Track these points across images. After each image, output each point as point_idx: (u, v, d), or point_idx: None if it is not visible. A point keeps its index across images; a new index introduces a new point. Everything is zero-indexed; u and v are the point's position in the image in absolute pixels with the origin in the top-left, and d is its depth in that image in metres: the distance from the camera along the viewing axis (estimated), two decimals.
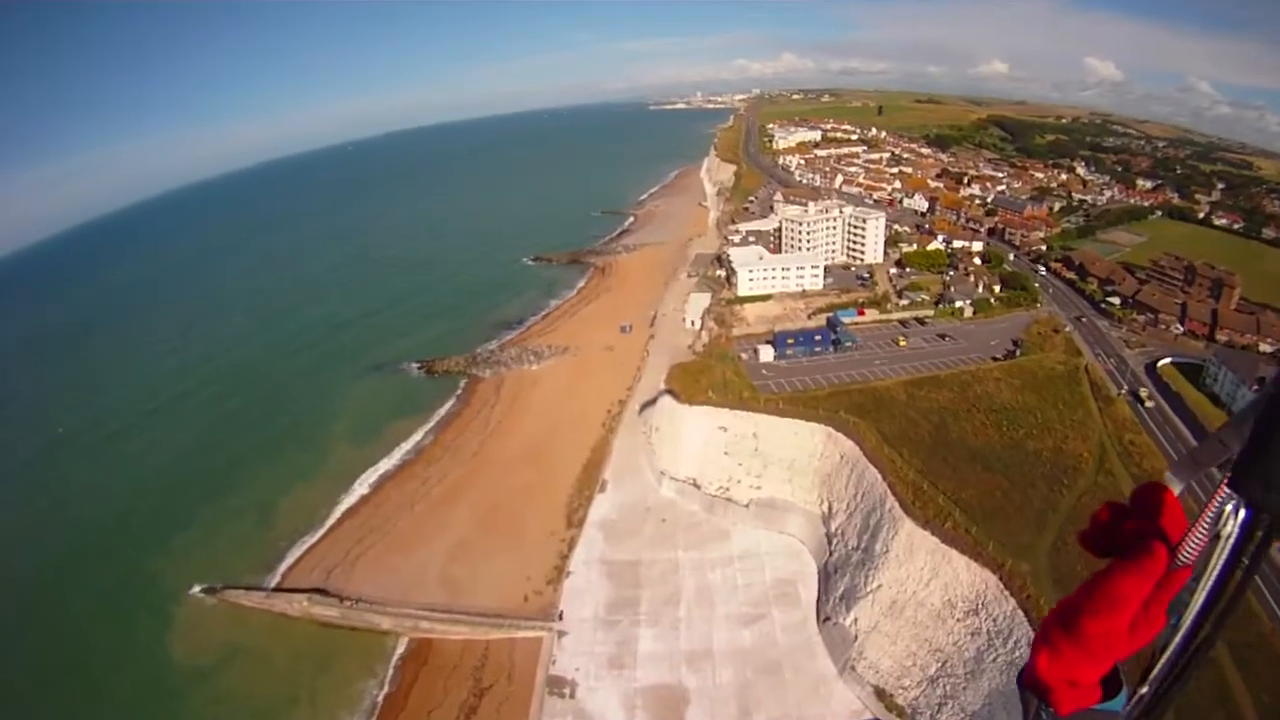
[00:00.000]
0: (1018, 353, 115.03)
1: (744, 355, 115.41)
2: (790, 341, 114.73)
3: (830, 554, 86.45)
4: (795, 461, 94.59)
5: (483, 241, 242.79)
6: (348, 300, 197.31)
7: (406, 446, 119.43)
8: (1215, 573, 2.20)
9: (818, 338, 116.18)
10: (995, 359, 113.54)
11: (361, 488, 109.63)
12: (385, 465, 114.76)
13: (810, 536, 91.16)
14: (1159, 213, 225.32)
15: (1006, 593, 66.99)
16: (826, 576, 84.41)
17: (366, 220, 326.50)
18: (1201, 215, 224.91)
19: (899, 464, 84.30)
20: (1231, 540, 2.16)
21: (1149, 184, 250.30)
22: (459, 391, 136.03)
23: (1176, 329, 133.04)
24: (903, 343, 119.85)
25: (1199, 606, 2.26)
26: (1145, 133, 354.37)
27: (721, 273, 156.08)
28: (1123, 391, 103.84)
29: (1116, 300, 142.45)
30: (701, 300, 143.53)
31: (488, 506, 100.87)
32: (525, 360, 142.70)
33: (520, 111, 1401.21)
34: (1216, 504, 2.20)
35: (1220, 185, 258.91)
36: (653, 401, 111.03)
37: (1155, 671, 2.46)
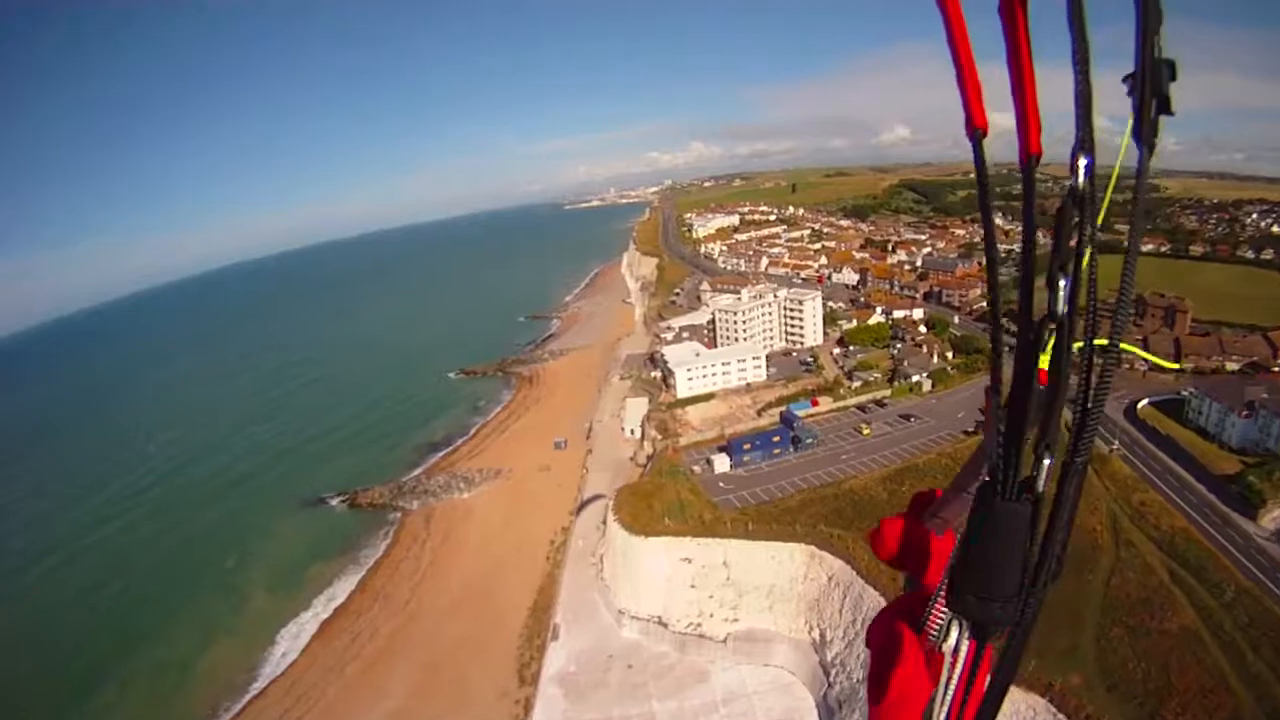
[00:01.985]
0: None
1: (696, 467, 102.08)
2: (746, 447, 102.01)
3: (829, 686, 73.06)
4: (775, 588, 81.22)
5: (404, 356, 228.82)
6: (264, 428, 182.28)
7: (333, 596, 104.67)
8: (948, 691, 2.09)
9: (775, 438, 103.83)
10: (968, 433, 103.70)
11: (286, 645, 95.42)
12: (310, 618, 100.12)
13: (801, 667, 78.01)
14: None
15: (1061, 715, 56.10)
16: (829, 712, 71.07)
17: (285, 338, 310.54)
18: (1126, 243, 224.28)
19: (901, 580, 71.77)
20: (962, 659, 2.07)
21: None
22: (386, 528, 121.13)
23: (1142, 366, 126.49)
24: (866, 431, 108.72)
25: None
26: (1049, 174, 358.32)
27: (656, 373, 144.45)
28: (1114, 448, 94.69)
29: (1076, 347, 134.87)
30: (639, 406, 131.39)
31: (427, 665, 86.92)
32: (455, 488, 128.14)
33: (441, 219, 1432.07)
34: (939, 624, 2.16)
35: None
36: (601, 529, 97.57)
37: None
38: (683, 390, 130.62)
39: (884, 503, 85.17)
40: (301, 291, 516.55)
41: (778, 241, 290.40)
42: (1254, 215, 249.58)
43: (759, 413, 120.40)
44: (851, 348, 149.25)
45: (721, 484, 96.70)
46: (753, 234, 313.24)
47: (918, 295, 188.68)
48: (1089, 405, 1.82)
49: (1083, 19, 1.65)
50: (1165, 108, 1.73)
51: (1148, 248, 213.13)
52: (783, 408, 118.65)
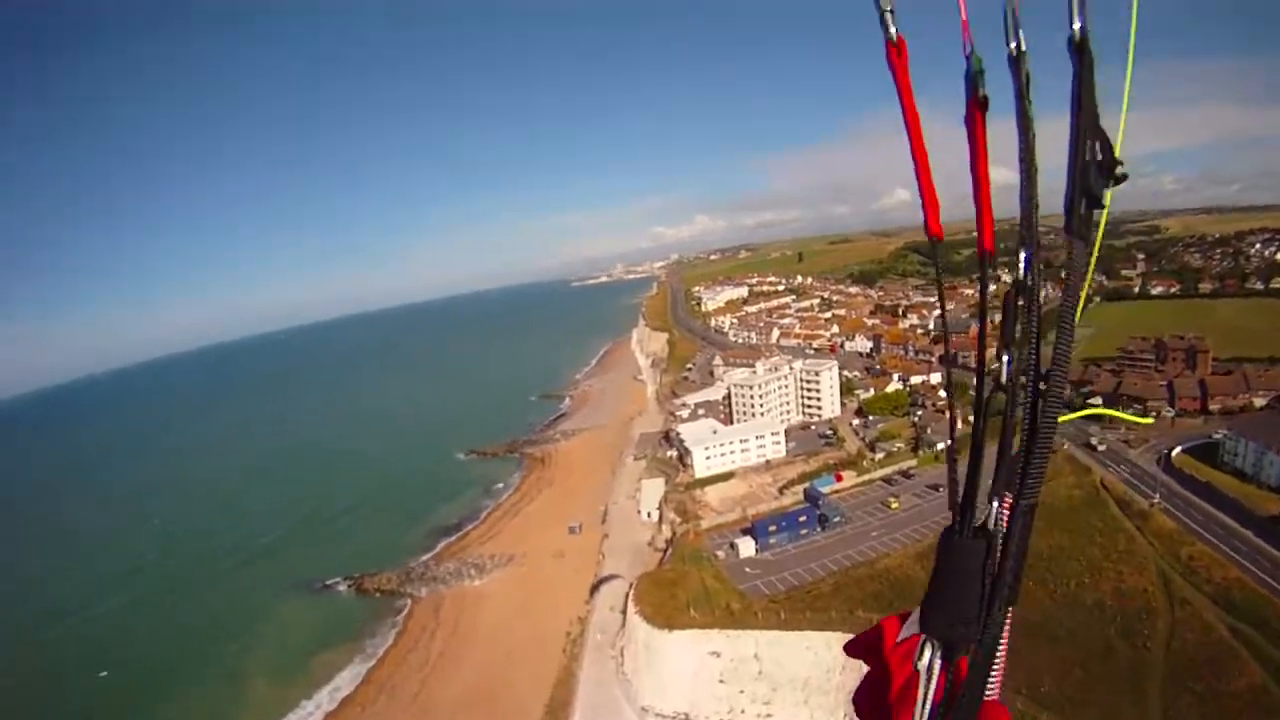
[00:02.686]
0: None
1: (720, 552, 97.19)
2: (772, 529, 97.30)
3: None
4: (811, 680, 76.09)
5: (413, 434, 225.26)
6: (270, 502, 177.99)
7: (337, 687, 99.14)
8: (926, 704, 2.34)
9: (802, 519, 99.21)
10: None
11: None
12: (313, 710, 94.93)
13: None
14: (1096, 299, 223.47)
15: None
16: None
17: (293, 414, 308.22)
18: (1136, 289, 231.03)
19: None
20: (935, 678, 2.33)
21: None
22: (393, 616, 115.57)
23: (1168, 412, 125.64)
24: (895, 505, 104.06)
25: None
26: (1049, 226, 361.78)
27: (672, 453, 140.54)
28: (1154, 501, 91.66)
29: (1098, 400, 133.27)
30: (655, 487, 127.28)
31: None
32: (465, 574, 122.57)
33: (451, 295, 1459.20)
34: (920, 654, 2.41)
35: (1140, 256, 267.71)
36: (620, 619, 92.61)
37: None
38: (700, 470, 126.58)
39: (921, 582, 79.97)
40: (311, 367, 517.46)
41: (788, 312, 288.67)
42: (1257, 245, 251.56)
43: (781, 490, 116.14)
44: (871, 417, 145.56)
45: (747, 569, 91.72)
46: (762, 305, 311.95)
47: (934, 359, 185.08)
48: (1031, 456, 2.07)
49: (1030, 126, 2.01)
50: (1096, 204, 2.04)
51: (1157, 290, 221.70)
52: (805, 485, 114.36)
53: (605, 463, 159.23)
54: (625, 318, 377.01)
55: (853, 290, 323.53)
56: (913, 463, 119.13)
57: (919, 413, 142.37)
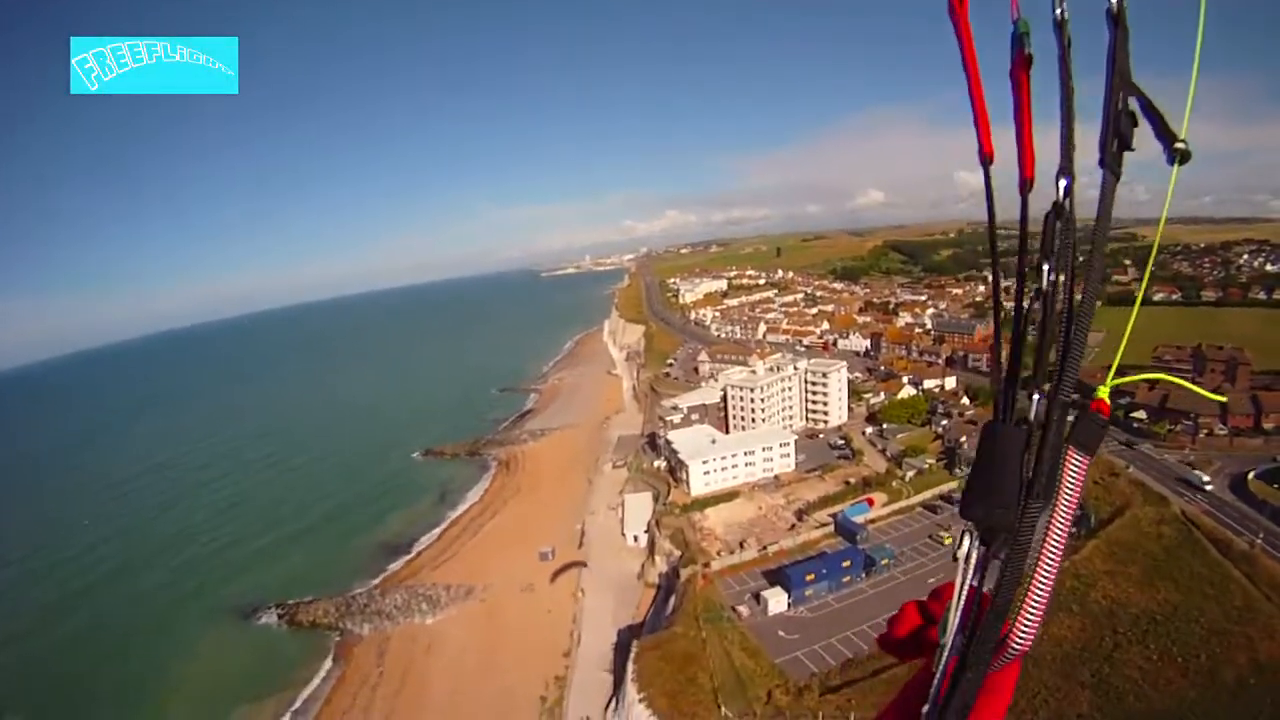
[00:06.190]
0: (1092, 519, 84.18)
1: (742, 607, 75.90)
2: (809, 576, 75.82)
3: None
4: None
5: (365, 431, 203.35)
6: (206, 506, 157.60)
7: None
8: (963, 591, 2.30)
9: (845, 562, 78.31)
10: (1072, 533, 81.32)
11: None
12: None
13: None
14: (1099, 302, 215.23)
15: None
16: None
17: (235, 405, 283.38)
18: (1138, 295, 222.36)
19: None
20: (973, 562, 2.29)
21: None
22: (329, 659, 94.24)
23: (1220, 430, 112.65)
24: (949, 538, 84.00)
25: (955, 625, 2.32)
26: (1028, 233, 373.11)
27: (660, 463, 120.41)
28: (1259, 541, 76.06)
29: (1142, 414, 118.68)
30: (641, 503, 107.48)
31: None
32: (415, 609, 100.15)
33: (416, 284, 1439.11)
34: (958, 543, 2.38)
35: (1127, 262, 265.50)
36: (608, 680, 72.51)
37: (931, 689, 2.40)
38: (698, 487, 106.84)
39: None
40: (261, 357, 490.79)
41: (772, 307, 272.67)
42: (1245, 255, 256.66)
43: (799, 516, 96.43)
44: (885, 426, 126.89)
45: (781, 632, 70.78)
46: (744, 299, 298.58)
47: (939, 360, 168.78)
48: (1067, 354, 2.17)
49: (1070, 78, 2.14)
50: (1126, 145, 2.16)
51: (1159, 296, 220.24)
52: (830, 511, 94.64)
53: (579, 469, 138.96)
54: (596, 308, 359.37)
55: (837, 286, 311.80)
56: (952, 485, 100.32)
57: (944, 423, 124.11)
